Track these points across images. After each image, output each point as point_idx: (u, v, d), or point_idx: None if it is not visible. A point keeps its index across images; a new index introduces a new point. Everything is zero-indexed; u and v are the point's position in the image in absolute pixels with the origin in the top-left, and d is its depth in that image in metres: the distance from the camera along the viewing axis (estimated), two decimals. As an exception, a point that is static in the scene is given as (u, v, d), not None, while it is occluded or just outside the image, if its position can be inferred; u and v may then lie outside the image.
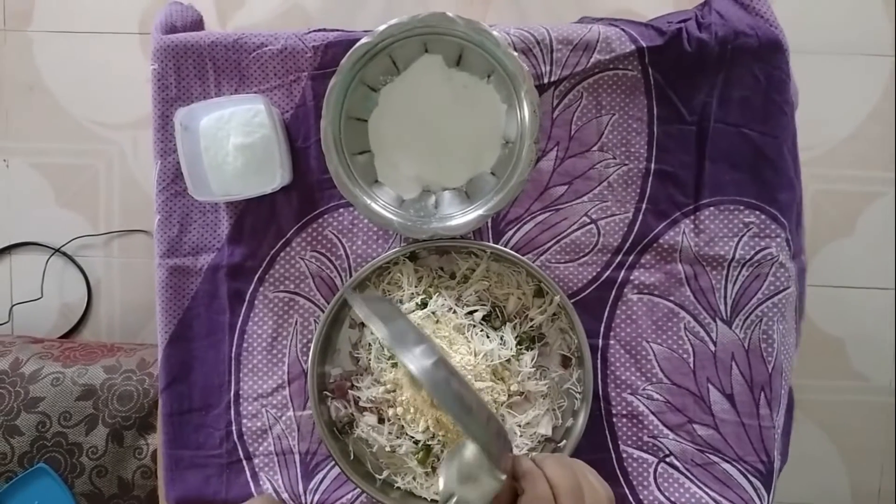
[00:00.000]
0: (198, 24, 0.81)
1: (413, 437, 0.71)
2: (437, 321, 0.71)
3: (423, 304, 0.71)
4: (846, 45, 1.46)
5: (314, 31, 0.74)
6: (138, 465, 1.13)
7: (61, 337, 1.54)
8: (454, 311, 0.71)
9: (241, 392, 0.76)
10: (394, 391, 0.70)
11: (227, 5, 1.50)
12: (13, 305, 1.53)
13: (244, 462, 0.76)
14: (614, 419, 0.74)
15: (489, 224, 0.74)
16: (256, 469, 0.76)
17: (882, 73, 1.46)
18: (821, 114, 1.45)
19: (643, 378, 0.74)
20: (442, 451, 0.71)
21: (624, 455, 0.74)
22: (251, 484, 0.76)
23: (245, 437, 0.76)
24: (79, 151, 1.53)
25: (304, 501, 0.75)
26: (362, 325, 0.75)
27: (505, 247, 0.73)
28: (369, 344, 0.73)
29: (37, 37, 1.52)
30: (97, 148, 1.53)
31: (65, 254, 1.53)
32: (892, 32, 1.45)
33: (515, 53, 0.67)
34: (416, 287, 0.73)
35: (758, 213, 0.73)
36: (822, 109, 1.45)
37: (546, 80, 0.73)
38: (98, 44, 1.51)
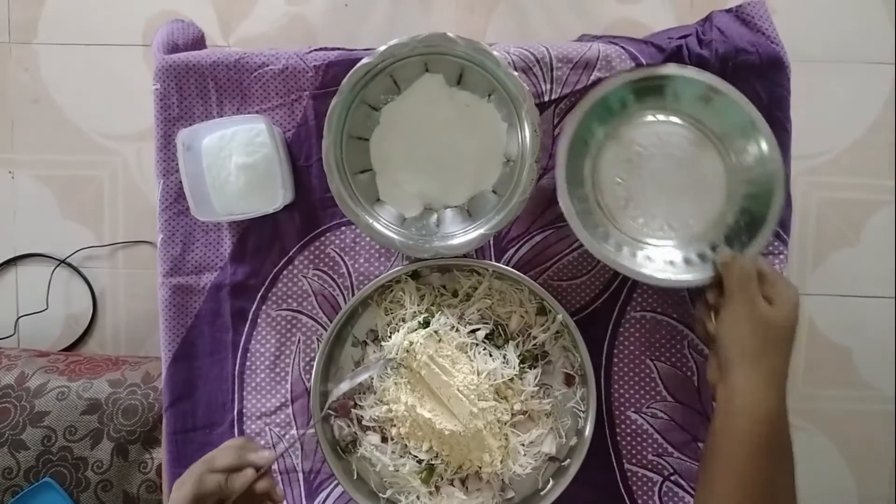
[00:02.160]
0: (199, 42, 0.81)
1: (416, 457, 0.71)
2: (440, 340, 0.71)
3: (426, 323, 0.71)
4: (849, 54, 1.46)
5: (315, 50, 0.75)
6: (143, 479, 1.13)
7: (67, 348, 1.54)
8: (457, 330, 0.71)
9: (244, 410, 0.76)
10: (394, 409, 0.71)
11: (230, 17, 1.51)
12: (19, 317, 1.54)
13: (248, 480, 0.76)
14: (618, 437, 0.74)
15: (491, 242, 0.74)
16: (260, 487, 0.76)
17: (885, 82, 1.45)
18: (824, 122, 1.45)
19: (647, 396, 0.74)
20: (446, 470, 0.71)
21: (628, 473, 0.74)
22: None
23: (248, 456, 0.76)
24: (83, 163, 1.54)
25: (307, 520, 0.75)
26: (364, 343, 0.75)
27: (507, 265, 0.73)
28: (372, 363, 0.73)
29: (42, 49, 1.53)
30: (102, 159, 1.54)
31: (70, 265, 1.54)
32: (894, 41, 1.45)
33: (516, 73, 0.67)
34: (418, 305, 0.73)
35: (761, 229, 0.73)
36: (825, 118, 1.45)
37: (547, 98, 0.73)
38: (102, 56, 1.53)
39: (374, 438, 0.73)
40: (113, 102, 1.53)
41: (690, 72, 0.69)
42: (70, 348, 1.55)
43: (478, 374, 0.69)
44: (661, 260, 0.71)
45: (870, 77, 1.46)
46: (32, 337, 1.54)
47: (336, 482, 0.74)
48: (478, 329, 0.72)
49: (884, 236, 1.47)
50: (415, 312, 0.72)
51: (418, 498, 0.72)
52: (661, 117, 0.72)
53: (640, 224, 0.72)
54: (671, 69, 0.70)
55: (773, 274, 0.64)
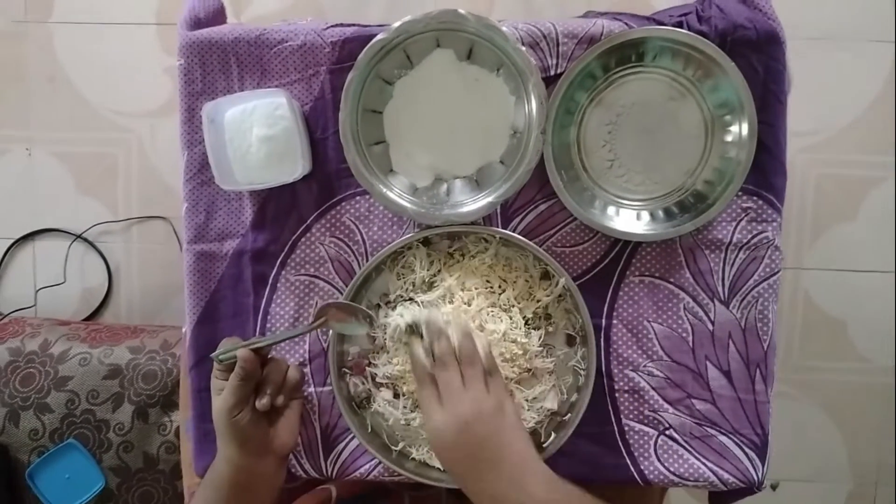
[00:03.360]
0: (220, 12, 0.84)
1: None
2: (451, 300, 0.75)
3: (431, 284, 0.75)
4: (850, 31, 1.47)
5: (332, 26, 0.78)
6: (162, 440, 1.18)
7: (84, 320, 1.59)
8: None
9: (264, 369, 0.81)
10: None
11: (240, -5, 1.54)
12: (38, 290, 1.59)
13: (268, 435, 0.80)
14: (616, 394, 0.78)
15: (498, 211, 0.78)
16: (279, 441, 0.80)
17: (886, 59, 1.47)
18: (824, 99, 1.47)
19: (644, 356, 0.78)
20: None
21: (626, 428, 0.78)
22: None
23: (269, 412, 0.81)
24: (98, 140, 1.57)
25: (324, 471, 0.80)
26: (378, 306, 0.79)
27: (513, 232, 0.77)
28: (385, 325, 0.77)
29: (57, 28, 1.56)
30: (116, 136, 1.57)
31: (86, 240, 1.58)
32: (894, 18, 1.46)
33: (523, 48, 0.70)
34: (428, 270, 0.77)
35: (755, 198, 0.76)
36: (825, 94, 1.47)
37: (552, 73, 0.76)
38: (116, 34, 1.55)
39: (387, 394, 0.77)
40: (127, 80, 1.55)
41: (665, 31, 0.72)
42: (87, 320, 1.59)
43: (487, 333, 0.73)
44: (644, 214, 0.77)
45: (871, 54, 1.48)
46: (52, 309, 1.59)
47: (351, 435, 0.79)
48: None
49: (882, 212, 1.50)
50: (424, 277, 0.76)
51: (428, 450, 0.77)
52: (641, 76, 0.75)
53: (623, 181, 0.77)
54: (647, 31, 0.72)
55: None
